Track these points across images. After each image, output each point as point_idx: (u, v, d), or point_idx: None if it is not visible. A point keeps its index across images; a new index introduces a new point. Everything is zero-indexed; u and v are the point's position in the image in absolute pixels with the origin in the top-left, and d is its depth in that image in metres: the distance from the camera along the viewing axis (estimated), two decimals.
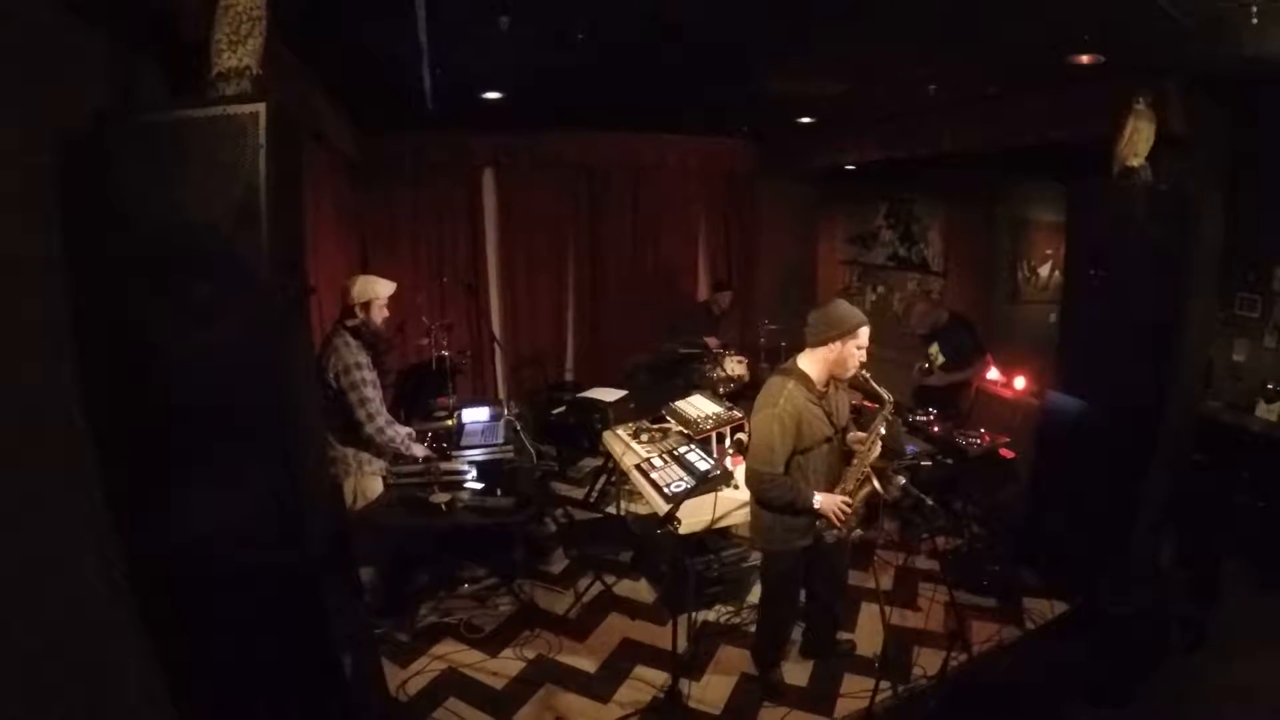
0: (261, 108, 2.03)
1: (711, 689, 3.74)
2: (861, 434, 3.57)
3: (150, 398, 2.11)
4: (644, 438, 4.87)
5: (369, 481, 4.12)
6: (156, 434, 2.14)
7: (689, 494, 3.77)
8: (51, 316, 1.95)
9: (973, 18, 3.42)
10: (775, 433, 3.27)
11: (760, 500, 3.44)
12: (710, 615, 4.34)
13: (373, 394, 4.00)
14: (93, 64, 2.16)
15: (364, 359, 4.00)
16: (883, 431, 3.49)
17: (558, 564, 4.96)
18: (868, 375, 3.43)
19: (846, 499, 3.37)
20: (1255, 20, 2.99)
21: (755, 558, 4.17)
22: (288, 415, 2.24)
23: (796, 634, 4.00)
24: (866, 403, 4.24)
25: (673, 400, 5.21)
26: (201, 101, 2.13)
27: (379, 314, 4.12)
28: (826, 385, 3.44)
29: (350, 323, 4.04)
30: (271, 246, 2.08)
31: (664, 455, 4.49)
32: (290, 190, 2.31)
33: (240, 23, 2.16)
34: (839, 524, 3.34)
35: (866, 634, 4.14)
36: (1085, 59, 3.96)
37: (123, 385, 2.08)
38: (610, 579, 4.67)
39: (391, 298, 4.22)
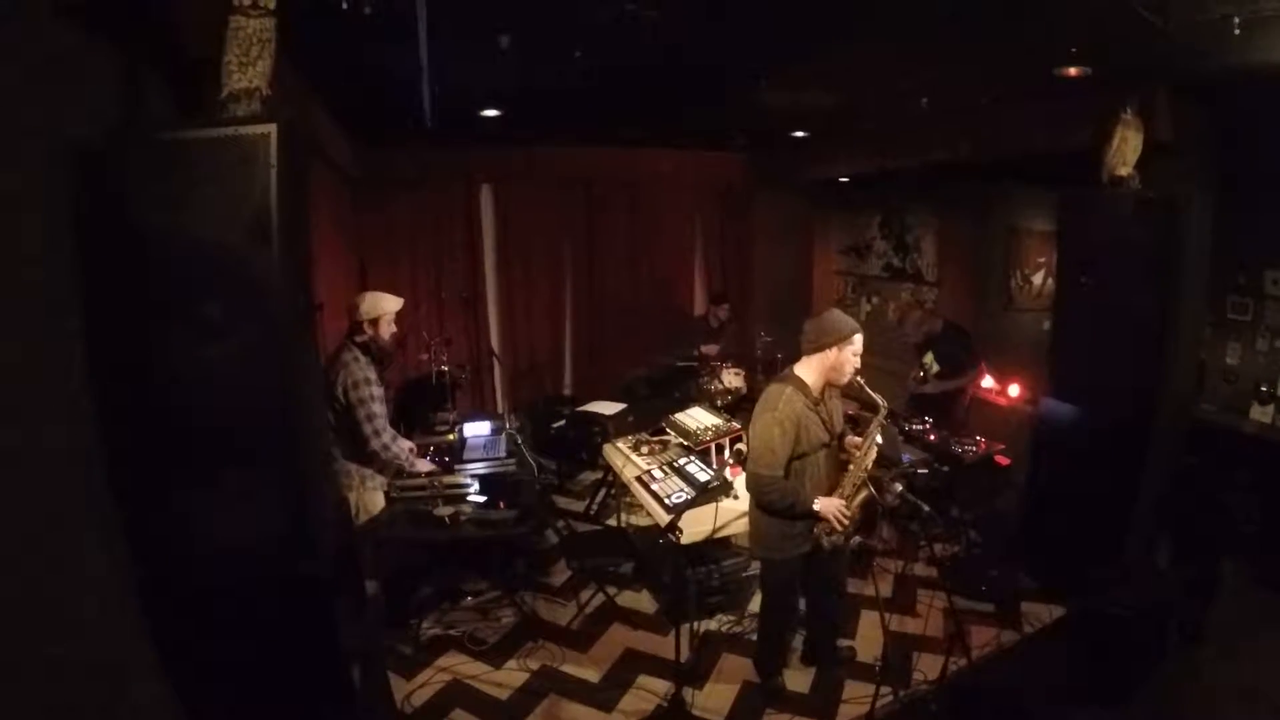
0: (273, 129, 2.06)
1: (714, 697, 3.77)
2: (857, 439, 3.62)
3: (162, 412, 2.13)
4: (644, 450, 4.90)
5: (371, 496, 4.14)
6: (168, 448, 2.16)
7: (690, 505, 3.81)
8: (63, 333, 1.98)
9: (965, 31, 3.49)
10: (776, 435, 3.32)
11: (761, 504, 3.47)
12: (712, 624, 4.38)
13: (380, 410, 4.04)
14: (103, 81, 2.19)
15: (372, 375, 4.05)
16: (878, 438, 3.56)
17: (559, 576, 4.98)
18: (862, 382, 3.49)
19: (844, 503, 3.42)
20: (1238, 30, 3.07)
21: (755, 567, 4.20)
22: (299, 430, 2.27)
23: (798, 642, 4.05)
24: (861, 411, 4.29)
25: (671, 413, 5.25)
26: (213, 121, 2.16)
27: (387, 330, 4.17)
28: (822, 392, 3.49)
29: (359, 339, 4.09)
30: (282, 264, 2.11)
31: (664, 467, 4.52)
32: (299, 208, 2.35)
33: (250, 45, 2.20)
34: (839, 528, 3.39)
35: (867, 640, 4.17)
36: (1074, 71, 4.03)
37: (135, 401, 2.11)
38: (612, 590, 4.69)
39: None
